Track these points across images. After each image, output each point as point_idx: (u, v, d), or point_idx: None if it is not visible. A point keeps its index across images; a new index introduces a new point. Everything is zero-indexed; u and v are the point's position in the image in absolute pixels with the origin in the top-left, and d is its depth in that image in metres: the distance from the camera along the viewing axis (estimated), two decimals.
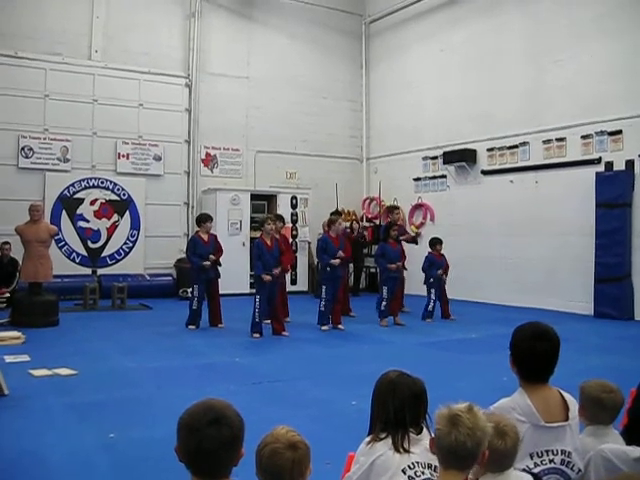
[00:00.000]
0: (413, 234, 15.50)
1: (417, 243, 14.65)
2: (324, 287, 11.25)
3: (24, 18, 14.84)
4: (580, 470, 2.98)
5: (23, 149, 14.83)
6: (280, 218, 12.15)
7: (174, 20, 16.81)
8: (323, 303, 11.18)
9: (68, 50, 15.36)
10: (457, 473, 2.38)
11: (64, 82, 15.14)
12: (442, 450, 2.38)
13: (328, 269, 11.26)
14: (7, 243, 13.20)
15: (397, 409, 2.85)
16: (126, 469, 4.60)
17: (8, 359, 7.86)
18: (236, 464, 2.21)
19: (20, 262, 12.57)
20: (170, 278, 15.76)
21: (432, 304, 12.30)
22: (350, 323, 11.72)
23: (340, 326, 11.18)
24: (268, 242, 10.61)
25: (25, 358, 8.12)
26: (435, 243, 12.69)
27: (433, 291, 12.35)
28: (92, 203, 15.57)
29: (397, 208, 14.51)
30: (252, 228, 16.05)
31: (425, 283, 12.57)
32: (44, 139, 15.05)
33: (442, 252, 12.66)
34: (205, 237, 11.38)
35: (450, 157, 16.06)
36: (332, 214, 13.08)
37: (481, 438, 2.36)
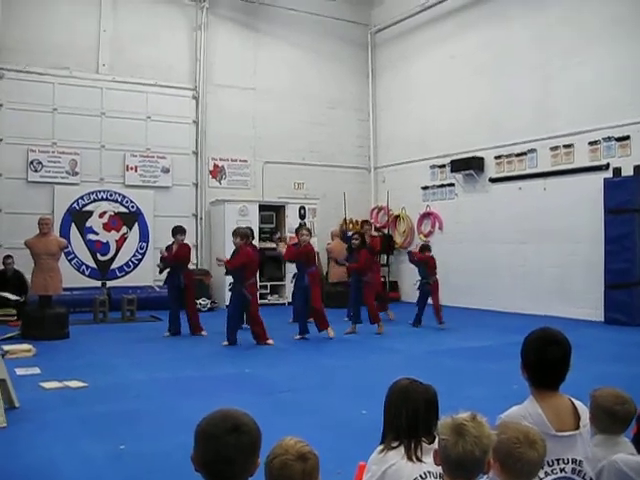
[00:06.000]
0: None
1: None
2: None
3: (32, 33, 14.94)
4: (591, 479, 2.97)
5: (32, 163, 14.92)
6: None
7: (181, 33, 16.91)
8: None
9: (76, 64, 15.46)
10: None
11: (72, 96, 15.24)
12: (449, 461, 2.36)
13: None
14: (9, 257, 13.23)
15: (410, 417, 2.84)
16: None
17: (19, 372, 7.88)
18: (252, 474, 2.21)
19: (24, 274, 12.70)
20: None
21: (417, 310, 12.66)
22: (358, 333, 11.74)
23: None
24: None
25: (36, 371, 8.14)
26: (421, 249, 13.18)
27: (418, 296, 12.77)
28: (101, 216, 15.63)
29: (369, 223, 15.11)
30: (261, 239, 16.04)
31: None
32: (53, 152, 15.14)
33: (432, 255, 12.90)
34: (174, 248, 11.96)
35: (458, 165, 16.05)
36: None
37: (488, 445, 2.35)
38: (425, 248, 13.05)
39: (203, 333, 11.59)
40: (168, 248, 11.93)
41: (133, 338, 11.28)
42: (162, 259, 12.05)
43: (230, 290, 11.16)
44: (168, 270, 12.00)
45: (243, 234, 11.09)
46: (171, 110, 16.48)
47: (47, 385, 7.38)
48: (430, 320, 12.44)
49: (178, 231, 11.99)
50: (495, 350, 9.88)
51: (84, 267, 15.39)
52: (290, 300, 14.43)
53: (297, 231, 12.25)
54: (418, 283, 12.72)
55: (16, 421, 5.89)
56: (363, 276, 12.00)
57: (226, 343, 10.57)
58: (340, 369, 8.72)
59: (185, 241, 12.11)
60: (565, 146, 13.75)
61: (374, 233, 18.00)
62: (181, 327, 11.65)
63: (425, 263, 12.63)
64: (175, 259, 11.77)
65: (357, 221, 18.34)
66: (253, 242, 12.52)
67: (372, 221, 18.56)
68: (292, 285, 12.36)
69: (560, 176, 13.82)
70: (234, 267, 10.85)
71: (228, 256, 11.47)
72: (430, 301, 12.51)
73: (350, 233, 13.95)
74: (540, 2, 14.27)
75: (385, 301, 13.91)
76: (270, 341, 10.57)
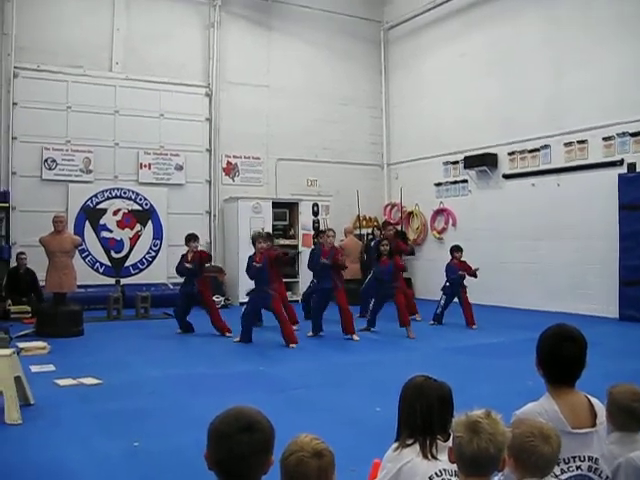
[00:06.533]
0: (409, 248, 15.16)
1: (413, 254, 15.45)
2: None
3: (45, 32, 15.01)
4: (608, 477, 2.94)
5: (46, 161, 14.99)
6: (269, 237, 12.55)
7: (193, 31, 16.94)
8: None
9: (89, 62, 15.51)
10: None
11: (86, 94, 15.28)
12: (464, 458, 2.36)
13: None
14: (23, 253, 13.37)
15: (424, 414, 2.84)
16: (151, 478, 4.62)
17: (34, 369, 7.90)
18: (266, 472, 2.21)
19: (37, 272, 12.79)
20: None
21: (439, 309, 12.45)
22: (372, 331, 11.70)
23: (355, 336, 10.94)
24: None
25: (50, 368, 8.18)
26: (453, 251, 12.64)
27: (444, 297, 12.46)
28: (115, 213, 15.69)
29: (390, 224, 14.54)
30: (274, 236, 16.04)
31: (441, 289, 12.66)
32: (67, 151, 15.20)
33: (463, 259, 12.54)
34: (189, 256, 11.71)
35: (471, 161, 16.01)
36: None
37: (503, 443, 2.34)
38: (457, 250, 12.62)
39: (228, 334, 11.22)
40: (183, 257, 11.79)
41: (147, 335, 11.32)
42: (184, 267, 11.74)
43: (250, 292, 10.92)
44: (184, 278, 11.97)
45: (267, 237, 11.36)
46: (184, 108, 16.50)
47: (62, 382, 7.41)
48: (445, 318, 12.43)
49: (191, 238, 11.84)
50: (509, 347, 9.85)
51: (98, 264, 15.46)
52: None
53: (323, 232, 12.13)
54: (448, 284, 12.51)
55: (31, 418, 5.92)
56: (394, 282, 11.72)
57: (237, 340, 10.56)
58: (354, 366, 8.70)
59: (200, 239, 12.08)
60: (579, 142, 13.67)
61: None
62: (191, 325, 11.66)
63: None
64: (201, 265, 11.75)
65: (370, 218, 18.36)
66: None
67: (386, 217, 18.54)
68: (312, 284, 12.36)
69: (574, 172, 13.75)
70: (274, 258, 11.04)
71: (243, 256, 11.54)
72: (442, 302, 12.51)
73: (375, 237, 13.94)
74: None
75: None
76: (293, 345, 10.20)
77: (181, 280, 12.33)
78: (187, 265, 11.55)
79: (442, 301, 12.51)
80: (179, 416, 6.07)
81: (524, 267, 14.71)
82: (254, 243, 10.94)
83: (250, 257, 10.88)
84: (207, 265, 12.36)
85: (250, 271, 10.74)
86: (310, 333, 11.16)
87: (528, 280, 14.61)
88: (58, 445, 5.24)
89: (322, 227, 16.02)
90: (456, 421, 2.43)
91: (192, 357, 9.56)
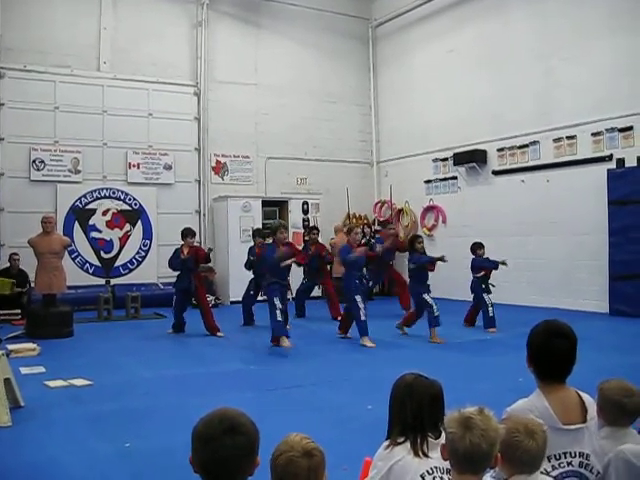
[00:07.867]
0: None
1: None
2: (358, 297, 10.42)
3: (32, 32, 14.92)
4: (599, 472, 2.94)
5: (34, 161, 14.91)
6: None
7: (181, 29, 16.88)
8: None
9: (77, 62, 15.44)
10: (472, 477, 2.37)
11: (74, 94, 15.21)
12: (456, 454, 2.36)
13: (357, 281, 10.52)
14: (16, 254, 13.30)
15: (415, 412, 2.84)
16: (143, 478, 4.60)
17: (24, 371, 7.87)
18: (252, 473, 2.20)
19: (28, 273, 12.72)
20: None
21: (490, 309, 11.27)
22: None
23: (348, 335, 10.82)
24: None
25: (40, 369, 8.14)
26: (476, 248, 11.94)
27: (486, 297, 11.41)
28: (104, 213, 15.63)
29: (390, 222, 14.44)
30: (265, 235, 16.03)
31: (476, 290, 11.70)
32: (55, 151, 15.12)
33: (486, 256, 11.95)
34: (185, 250, 11.51)
35: (460, 158, 16.02)
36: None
37: (495, 439, 2.35)
38: (480, 246, 11.97)
39: (219, 334, 11.18)
40: (177, 251, 11.61)
41: (138, 335, 11.29)
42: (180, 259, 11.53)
43: (270, 283, 10.19)
44: (178, 273, 11.73)
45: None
46: (173, 107, 16.44)
47: (52, 384, 7.38)
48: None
49: (188, 233, 11.66)
50: (500, 343, 9.87)
51: (88, 265, 15.40)
52: (294, 296, 14.37)
53: (314, 228, 12.41)
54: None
55: (21, 420, 5.89)
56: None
57: (288, 343, 9.65)
58: (345, 364, 8.70)
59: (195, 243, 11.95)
60: (568, 137, 13.70)
61: (379, 228, 18.06)
62: (184, 324, 11.59)
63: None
64: (197, 262, 11.58)
65: (360, 215, 18.36)
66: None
67: (376, 215, 18.56)
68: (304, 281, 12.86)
69: (563, 168, 13.77)
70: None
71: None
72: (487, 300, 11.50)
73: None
74: None
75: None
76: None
77: (172, 279, 12.25)
78: (182, 256, 11.41)
79: (487, 301, 11.38)
80: (170, 416, 6.04)
81: (514, 263, 14.59)
82: (274, 233, 10.25)
83: (269, 246, 10.41)
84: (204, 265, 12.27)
85: (282, 258, 9.94)
86: (340, 332, 10.89)
87: (518, 276, 14.60)
88: (49, 446, 5.22)
89: (313, 224, 16.07)
90: (449, 417, 2.43)
91: (183, 357, 9.53)
